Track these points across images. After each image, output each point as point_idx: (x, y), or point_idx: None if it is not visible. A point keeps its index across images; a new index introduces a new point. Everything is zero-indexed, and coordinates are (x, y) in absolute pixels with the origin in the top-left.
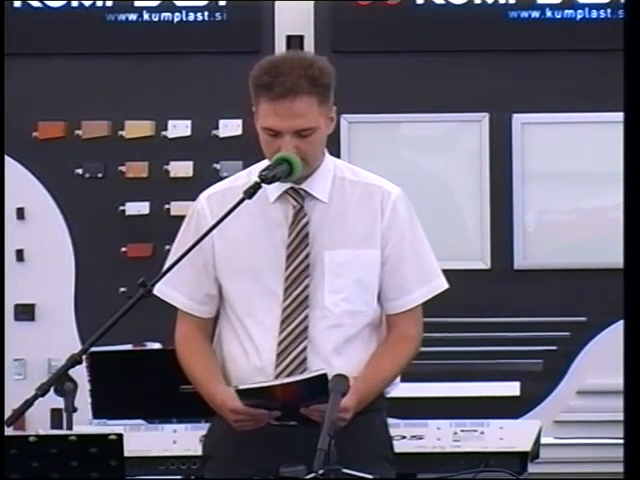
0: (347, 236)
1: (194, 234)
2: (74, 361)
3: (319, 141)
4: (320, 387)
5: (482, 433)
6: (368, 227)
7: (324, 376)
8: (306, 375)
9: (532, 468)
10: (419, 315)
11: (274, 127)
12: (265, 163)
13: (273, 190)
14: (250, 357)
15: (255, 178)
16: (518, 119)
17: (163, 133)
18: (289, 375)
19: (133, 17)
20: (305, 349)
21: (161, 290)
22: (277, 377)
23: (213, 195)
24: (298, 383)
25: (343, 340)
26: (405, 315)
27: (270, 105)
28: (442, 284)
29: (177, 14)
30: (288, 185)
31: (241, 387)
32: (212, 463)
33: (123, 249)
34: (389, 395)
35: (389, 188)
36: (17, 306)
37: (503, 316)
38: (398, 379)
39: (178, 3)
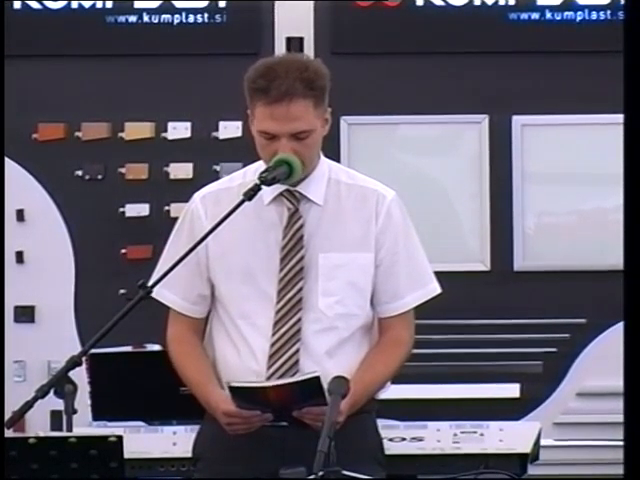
0: (342, 239)
1: (188, 234)
2: (74, 363)
3: (315, 143)
4: (312, 390)
5: (482, 435)
6: (363, 230)
7: (317, 379)
8: (298, 377)
9: (532, 470)
10: (411, 319)
11: (271, 130)
12: (260, 164)
13: (268, 192)
14: (243, 358)
15: (250, 179)
16: (518, 121)
17: (163, 135)
18: (281, 377)
19: (133, 19)
20: (298, 351)
21: (154, 290)
22: (269, 379)
23: (208, 195)
24: (290, 385)
25: (336, 343)
26: (397, 319)
27: (266, 109)
28: (435, 289)
29: (177, 16)
30: (283, 187)
31: (233, 384)
32: (203, 464)
33: (123, 251)
34: (379, 398)
35: (384, 192)
36: (17, 308)
37: (503, 318)
38: (389, 382)
39: (178, 5)
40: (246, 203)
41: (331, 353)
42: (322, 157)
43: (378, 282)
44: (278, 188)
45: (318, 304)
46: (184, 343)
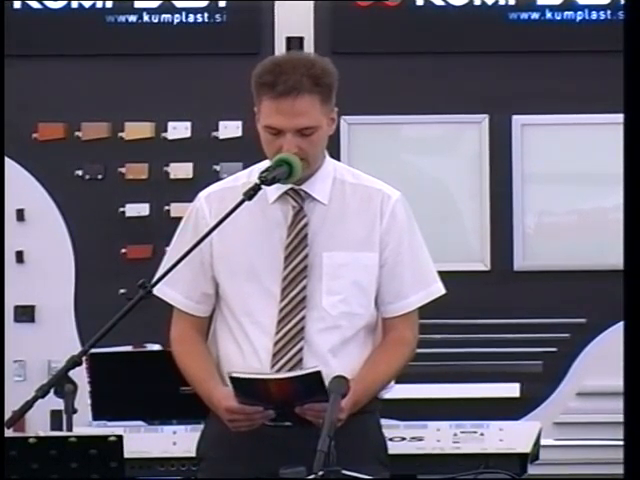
0: (346, 238)
1: (192, 233)
2: (74, 362)
3: (320, 141)
4: (313, 385)
5: (482, 434)
6: (367, 230)
7: (318, 373)
8: (300, 372)
9: (532, 469)
10: (415, 319)
11: (276, 125)
12: (266, 163)
13: (273, 190)
14: (246, 356)
15: (255, 179)
16: (518, 121)
17: (163, 134)
18: None
19: (133, 19)
20: (301, 350)
21: (158, 288)
22: None
23: (212, 194)
24: (291, 379)
25: (339, 342)
26: (401, 319)
27: (272, 103)
28: (439, 289)
29: (177, 16)
30: (288, 186)
31: (235, 374)
32: (206, 464)
33: (123, 250)
34: (383, 397)
35: (389, 192)
36: (17, 308)
37: (503, 317)
38: (393, 382)
39: (178, 4)
40: (252, 202)
41: (335, 352)
42: (327, 157)
43: (382, 282)
44: (283, 187)
45: (322, 303)
46: (187, 342)
